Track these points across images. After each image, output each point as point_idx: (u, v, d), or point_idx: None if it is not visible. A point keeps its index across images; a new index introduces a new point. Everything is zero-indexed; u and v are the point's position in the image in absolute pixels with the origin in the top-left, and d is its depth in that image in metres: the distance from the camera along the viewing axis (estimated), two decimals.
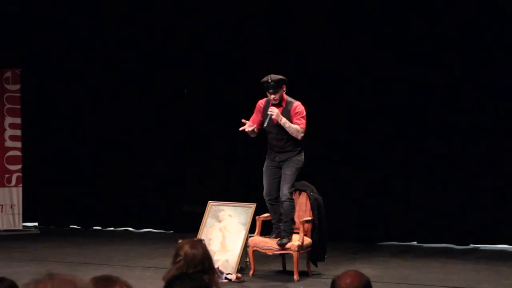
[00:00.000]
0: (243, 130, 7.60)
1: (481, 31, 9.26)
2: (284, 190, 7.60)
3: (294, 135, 7.52)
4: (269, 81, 7.52)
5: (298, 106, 7.60)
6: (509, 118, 9.22)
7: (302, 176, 8.21)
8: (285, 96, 7.63)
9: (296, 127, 7.50)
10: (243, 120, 7.65)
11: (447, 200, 9.42)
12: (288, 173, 7.60)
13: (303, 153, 7.69)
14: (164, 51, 10.65)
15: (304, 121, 7.55)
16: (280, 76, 7.58)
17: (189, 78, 10.60)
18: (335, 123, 9.84)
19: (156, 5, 10.72)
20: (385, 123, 9.66)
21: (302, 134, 7.54)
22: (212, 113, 10.38)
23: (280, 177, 7.67)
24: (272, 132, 7.64)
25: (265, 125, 7.54)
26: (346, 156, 9.82)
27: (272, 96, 7.53)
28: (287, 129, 7.49)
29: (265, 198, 7.75)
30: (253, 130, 7.62)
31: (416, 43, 9.54)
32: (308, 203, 7.90)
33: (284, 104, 7.59)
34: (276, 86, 7.50)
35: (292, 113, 7.56)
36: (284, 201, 7.61)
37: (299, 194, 7.97)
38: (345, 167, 9.80)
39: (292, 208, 7.68)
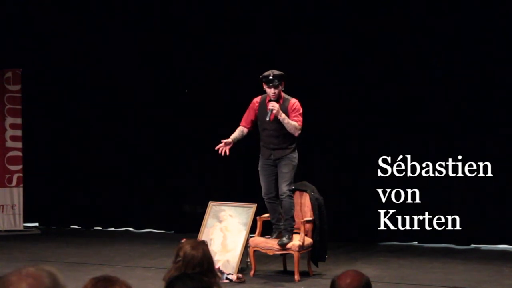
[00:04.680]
0: (222, 151, 7.66)
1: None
2: (283, 188, 7.60)
3: (291, 131, 7.54)
4: (271, 76, 7.56)
5: (295, 103, 7.63)
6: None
7: (303, 176, 8.21)
8: (282, 93, 7.66)
9: (294, 123, 7.51)
10: (221, 140, 7.69)
11: (447, 200, 9.42)
12: (285, 171, 7.61)
13: (296, 151, 7.72)
14: (164, 51, 10.65)
15: (301, 118, 7.58)
16: (281, 72, 7.62)
17: (189, 77, 10.60)
18: (335, 123, 9.83)
19: (156, 5, 10.72)
20: (385, 123, 9.65)
21: (299, 131, 7.57)
22: (213, 113, 10.38)
23: (277, 175, 7.69)
24: (267, 129, 7.65)
25: (267, 119, 7.55)
26: (346, 156, 9.81)
27: (272, 91, 7.55)
28: (285, 125, 7.50)
29: (264, 197, 7.76)
30: (232, 145, 7.70)
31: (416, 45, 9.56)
32: (309, 203, 7.90)
33: (281, 101, 7.62)
34: (277, 81, 7.54)
35: (289, 110, 7.58)
36: (284, 198, 7.62)
37: (300, 194, 7.98)
38: (346, 167, 9.80)
39: (292, 205, 7.69)
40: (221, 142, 7.71)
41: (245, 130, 7.83)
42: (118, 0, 10.95)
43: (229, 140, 7.72)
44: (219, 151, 7.72)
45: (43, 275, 1.83)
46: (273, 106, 7.48)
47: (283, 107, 7.59)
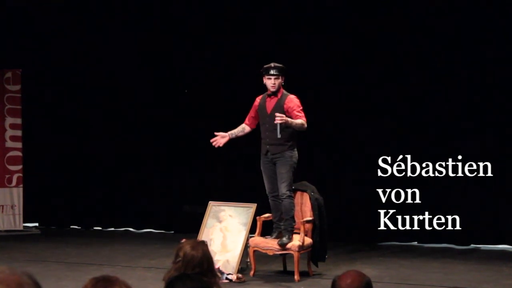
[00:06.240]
0: (216, 143, 7.78)
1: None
2: (283, 189, 7.59)
3: (301, 129, 7.53)
4: (272, 66, 7.60)
5: (293, 98, 7.63)
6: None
7: (303, 176, 8.20)
8: (281, 88, 7.68)
9: (300, 121, 7.49)
10: (215, 133, 7.77)
11: (447, 200, 9.42)
12: (283, 171, 7.59)
13: (296, 150, 7.67)
14: (164, 51, 10.65)
15: (303, 113, 7.57)
16: (282, 65, 7.65)
17: (189, 77, 10.60)
18: (335, 123, 9.84)
19: (156, 5, 10.72)
20: (385, 123, 9.66)
21: (306, 126, 7.54)
22: (213, 113, 10.38)
23: None
24: (265, 123, 7.65)
25: (279, 136, 7.53)
26: (346, 156, 9.81)
27: (272, 81, 7.58)
28: (294, 128, 7.48)
29: (268, 195, 7.77)
30: (228, 139, 7.78)
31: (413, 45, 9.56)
32: (309, 203, 7.90)
33: (279, 95, 7.64)
34: (277, 72, 7.57)
35: (286, 105, 7.57)
36: (284, 199, 7.61)
37: (300, 194, 7.97)
38: (346, 167, 9.80)
39: (292, 205, 7.68)
40: (216, 135, 7.76)
41: (247, 127, 7.87)
42: (118, 0, 10.95)
43: (225, 133, 7.76)
44: (213, 144, 7.75)
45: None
46: (280, 120, 7.39)
47: (280, 101, 7.61)
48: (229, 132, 7.84)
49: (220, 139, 7.79)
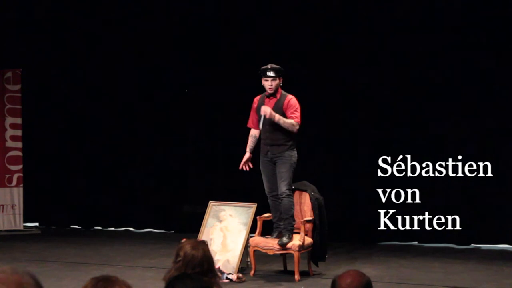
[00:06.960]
0: (245, 168, 7.88)
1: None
2: (282, 188, 7.60)
3: (290, 129, 7.54)
4: (269, 67, 7.60)
5: (291, 99, 7.63)
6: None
7: (303, 176, 8.20)
8: (280, 89, 7.68)
9: (290, 121, 7.52)
10: (242, 161, 7.84)
11: (447, 200, 9.42)
12: (283, 170, 7.61)
13: (295, 150, 7.69)
14: (165, 50, 10.65)
15: (298, 115, 7.58)
16: (280, 67, 7.66)
17: (190, 77, 10.60)
18: (335, 123, 9.84)
19: (156, 5, 10.72)
20: (385, 123, 9.66)
21: (297, 127, 7.56)
22: (212, 113, 10.38)
23: None
24: (265, 124, 7.67)
25: (260, 127, 7.58)
26: (346, 156, 9.81)
27: (269, 83, 7.59)
28: (282, 125, 7.50)
29: (267, 195, 7.78)
30: (251, 155, 7.84)
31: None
32: (309, 203, 7.90)
33: (278, 96, 7.65)
34: (274, 73, 7.58)
35: (285, 106, 7.59)
36: (283, 198, 7.62)
37: (300, 194, 7.98)
38: (346, 167, 9.80)
39: (292, 204, 7.68)
40: (241, 161, 7.83)
41: (256, 132, 7.86)
42: (118, 0, 10.95)
43: (247, 155, 7.82)
44: (244, 169, 7.80)
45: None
46: (265, 112, 7.48)
47: (279, 102, 7.62)
48: (248, 149, 7.88)
49: (246, 162, 7.82)
